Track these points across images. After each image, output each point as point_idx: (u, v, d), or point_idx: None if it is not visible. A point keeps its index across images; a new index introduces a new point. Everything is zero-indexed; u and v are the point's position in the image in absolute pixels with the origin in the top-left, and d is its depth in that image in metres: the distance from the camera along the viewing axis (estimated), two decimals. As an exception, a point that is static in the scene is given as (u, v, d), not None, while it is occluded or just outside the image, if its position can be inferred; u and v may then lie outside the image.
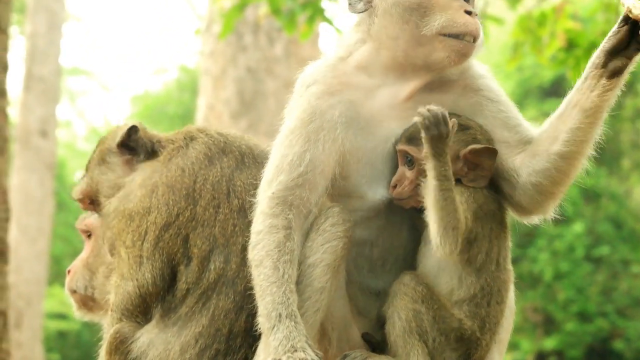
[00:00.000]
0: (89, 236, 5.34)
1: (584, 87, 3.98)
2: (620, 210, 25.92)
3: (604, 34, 9.66)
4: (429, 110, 3.86)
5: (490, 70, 4.32)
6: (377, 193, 4.17)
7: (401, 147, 4.15)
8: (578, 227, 24.41)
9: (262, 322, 3.94)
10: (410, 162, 4.13)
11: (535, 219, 4.27)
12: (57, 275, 23.35)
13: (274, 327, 3.86)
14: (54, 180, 21.25)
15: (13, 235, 19.29)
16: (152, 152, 4.87)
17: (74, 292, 5.30)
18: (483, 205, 4.09)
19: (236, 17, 9.91)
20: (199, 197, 4.53)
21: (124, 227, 4.63)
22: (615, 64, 3.89)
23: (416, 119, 3.88)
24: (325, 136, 4.08)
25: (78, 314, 5.36)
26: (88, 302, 5.29)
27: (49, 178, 20.52)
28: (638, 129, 27.10)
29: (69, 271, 5.32)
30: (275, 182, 4.09)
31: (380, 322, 4.16)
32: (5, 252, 7.37)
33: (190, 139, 4.78)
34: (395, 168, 4.18)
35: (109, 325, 4.63)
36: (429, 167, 3.94)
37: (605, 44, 3.94)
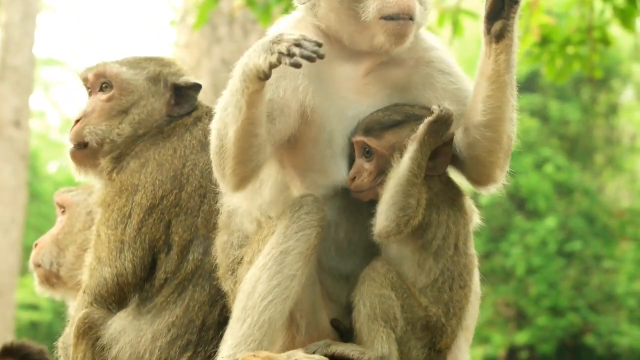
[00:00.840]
0: (63, 212, 5.29)
1: (482, 56, 4.09)
2: (592, 206, 26.07)
3: (579, 29, 9.74)
4: (448, 110, 3.97)
5: (444, 42, 4.44)
6: (339, 171, 4.17)
7: (358, 138, 4.12)
8: (550, 222, 24.53)
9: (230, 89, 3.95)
10: (369, 153, 4.11)
11: (491, 189, 4.32)
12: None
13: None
14: (27, 171, 21.13)
15: (-15, 225, 19.20)
16: (188, 114, 4.77)
17: (38, 266, 5.26)
18: (439, 193, 4.12)
19: (211, 8, 9.88)
20: (186, 182, 4.50)
21: (109, 202, 4.57)
22: (495, 27, 3.99)
23: (434, 107, 3.97)
24: (287, 85, 4.08)
25: (39, 289, 5.30)
26: (51, 278, 5.24)
27: (22, 168, 20.39)
28: (611, 125, 27.26)
29: (36, 244, 5.27)
30: None
31: (349, 308, 4.13)
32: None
33: (196, 120, 4.73)
34: (351, 150, 4.17)
35: (79, 306, 4.59)
36: (410, 149, 3.97)
37: (483, 12, 4.05)
